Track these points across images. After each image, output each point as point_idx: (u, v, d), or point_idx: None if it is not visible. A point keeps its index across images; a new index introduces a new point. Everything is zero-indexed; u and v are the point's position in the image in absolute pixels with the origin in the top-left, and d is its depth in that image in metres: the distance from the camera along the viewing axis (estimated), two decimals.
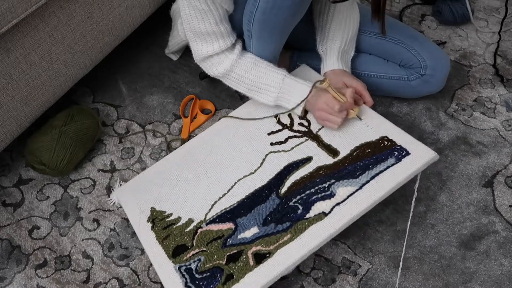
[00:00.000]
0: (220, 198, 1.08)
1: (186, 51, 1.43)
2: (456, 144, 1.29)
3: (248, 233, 1.01)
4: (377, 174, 1.00)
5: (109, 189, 1.21)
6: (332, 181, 1.02)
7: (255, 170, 1.10)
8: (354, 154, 1.05)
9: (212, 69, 1.14)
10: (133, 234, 1.15)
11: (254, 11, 1.03)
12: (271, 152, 1.13)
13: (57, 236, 1.15)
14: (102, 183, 1.22)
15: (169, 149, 1.26)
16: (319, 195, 1.01)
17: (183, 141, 1.29)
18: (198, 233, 1.04)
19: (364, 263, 1.10)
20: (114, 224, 1.16)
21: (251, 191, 1.07)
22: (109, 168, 1.25)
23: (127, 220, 1.17)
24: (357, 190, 0.99)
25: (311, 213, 0.99)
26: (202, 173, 1.14)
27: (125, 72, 1.43)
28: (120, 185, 1.21)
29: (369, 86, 1.31)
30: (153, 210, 1.11)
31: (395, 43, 1.24)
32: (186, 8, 1.06)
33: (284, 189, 1.05)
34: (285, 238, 0.97)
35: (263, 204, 1.04)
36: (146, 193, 1.14)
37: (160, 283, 1.08)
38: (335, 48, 1.21)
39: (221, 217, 1.05)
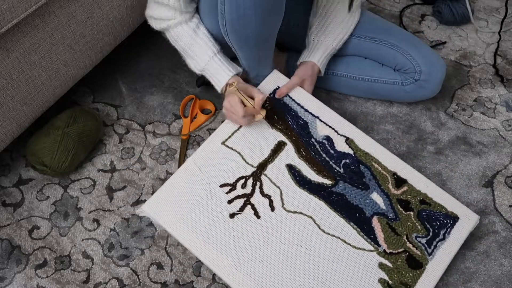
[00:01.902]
0: None
1: None
2: (456, 144, 1.29)
3: None
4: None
5: (109, 189, 1.21)
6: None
7: None
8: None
9: (156, 24, 1.18)
10: (133, 234, 1.15)
11: (224, 23, 1.04)
12: None
13: (57, 236, 1.15)
14: (102, 183, 1.22)
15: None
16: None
17: (183, 141, 1.29)
18: None
19: None
20: (114, 224, 1.16)
21: None
22: (109, 168, 1.25)
23: (127, 220, 1.17)
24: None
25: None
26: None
27: (125, 72, 1.43)
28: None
29: (364, 90, 1.31)
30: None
31: (390, 48, 1.23)
32: None
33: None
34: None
35: None
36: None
37: (160, 282, 1.08)
38: (326, 45, 1.22)
39: None
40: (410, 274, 1.03)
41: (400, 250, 1.05)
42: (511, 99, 1.38)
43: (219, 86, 1.16)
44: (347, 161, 1.13)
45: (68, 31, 1.11)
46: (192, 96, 1.36)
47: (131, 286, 1.08)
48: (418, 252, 1.05)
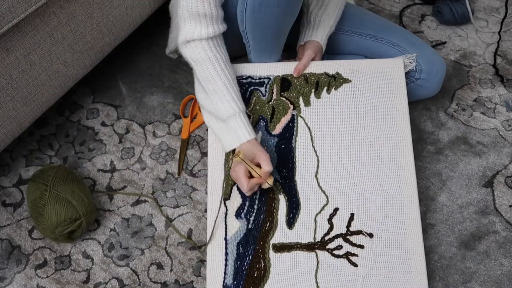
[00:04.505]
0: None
1: None
2: (456, 144, 1.29)
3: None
4: None
5: (109, 189, 1.21)
6: None
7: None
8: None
9: (194, 51, 1.08)
10: (133, 234, 1.15)
11: (244, 10, 1.04)
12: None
13: None
14: (102, 183, 1.22)
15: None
16: None
17: (183, 141, 1.29)
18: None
19: None
20: (114, 224, 1.16)
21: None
22: (109, 168, 1.25)
23: (127, 220, 1.17)
24: None
25: None
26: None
27: (125, 72, 1.43)
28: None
29: None
30: None
31: (391, 46, 1.23)
32: None
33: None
34: None
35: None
36: None
37: (160, 282, 1.08)
38: (328, 25, 1.21)
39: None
40: None
41: None
42: (511, 99, 1.38)
43: (237, 142, 1.06)
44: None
45: (68, 31, 1.11)
46: (192, 96, 1.36)
47: (131, 286, 1.08)
48: None
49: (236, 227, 1.07)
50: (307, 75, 1.17)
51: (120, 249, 1.13)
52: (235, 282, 1.03)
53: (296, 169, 1.11)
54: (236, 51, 1.21)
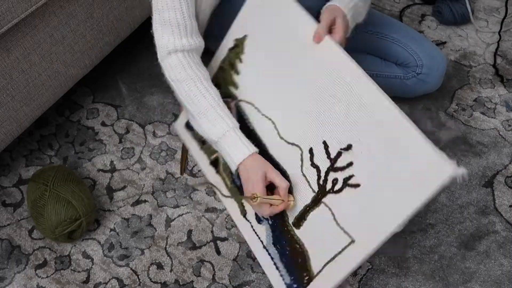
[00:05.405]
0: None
1: None
2: (456, 144, 1.29)
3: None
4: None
5: (109, 189, 1.21)
6: None
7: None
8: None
9: (174, 70, 1.02)
10: (133, 234, 1.15)
11: None
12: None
13: None
14: (102, 183, 1.22)
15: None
16: None
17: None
18: None
19: (364, 263, 1.10)
20: (114, 224, 1.16)
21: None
22: (109, 168, 1.25)
23: (127, 220, 1.17)
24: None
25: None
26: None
27: (125, 72, 1.43)
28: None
29: None
30: None
31: (392, 42, 1.24)
32: None
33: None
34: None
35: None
36: None
37: (160, 282, 1.08)
38: None
39: None
40: None
41: None
42: (511, 99, 1.38)
43: (239, 159, 0.97)
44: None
45: (68, 31, 1.11)
46: None
47: (131, 286, 1.08)
48: None
49: (264, 230, 1.07)
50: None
51: (120, 249, 1.13)
52: (292, 277, 1.01)
53: (266, 144, 1.05)
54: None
